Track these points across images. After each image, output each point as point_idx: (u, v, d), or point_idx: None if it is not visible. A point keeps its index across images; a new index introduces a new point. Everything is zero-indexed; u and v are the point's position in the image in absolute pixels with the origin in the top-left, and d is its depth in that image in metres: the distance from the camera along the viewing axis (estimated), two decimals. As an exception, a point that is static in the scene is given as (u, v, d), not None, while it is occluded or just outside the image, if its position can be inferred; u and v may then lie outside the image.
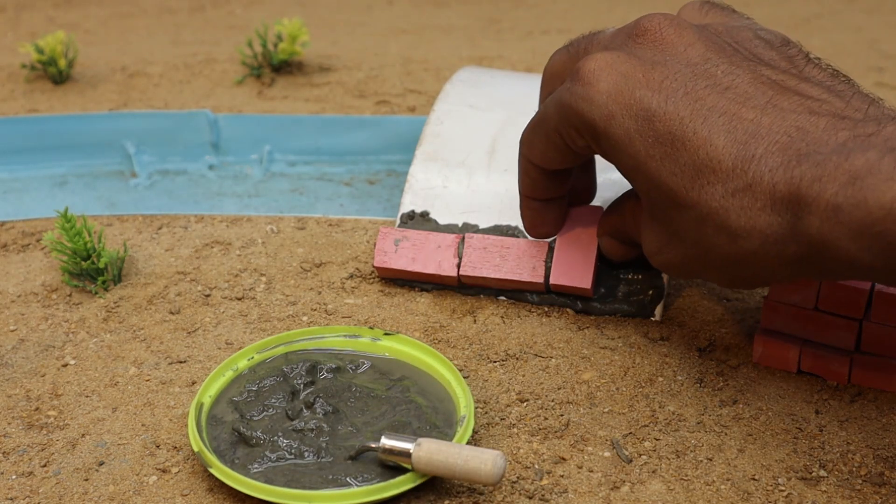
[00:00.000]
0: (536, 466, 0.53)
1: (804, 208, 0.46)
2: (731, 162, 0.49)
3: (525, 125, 0.60)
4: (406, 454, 0.50)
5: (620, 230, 0.61)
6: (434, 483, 0.52)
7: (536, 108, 0.75)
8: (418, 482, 0.51)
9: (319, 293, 0.68)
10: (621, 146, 0.52)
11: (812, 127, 0.48)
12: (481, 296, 0.67)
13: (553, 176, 0.61)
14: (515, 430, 0.56)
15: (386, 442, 0.51)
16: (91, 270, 0.68)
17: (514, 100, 0.76)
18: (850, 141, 0.46)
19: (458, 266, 0.66)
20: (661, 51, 0.53)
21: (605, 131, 0.53)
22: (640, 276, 0.65)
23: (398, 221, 0.70)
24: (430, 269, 0.66)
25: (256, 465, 0.52)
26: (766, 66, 0.52)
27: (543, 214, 0.63)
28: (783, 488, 0.52)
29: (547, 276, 0.65)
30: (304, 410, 0.55)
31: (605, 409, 0.57)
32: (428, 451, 0.50)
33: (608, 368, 0.60)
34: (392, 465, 0.51)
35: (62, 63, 0.99)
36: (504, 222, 0.69)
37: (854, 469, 0.53)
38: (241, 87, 1.00)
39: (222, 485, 0.52)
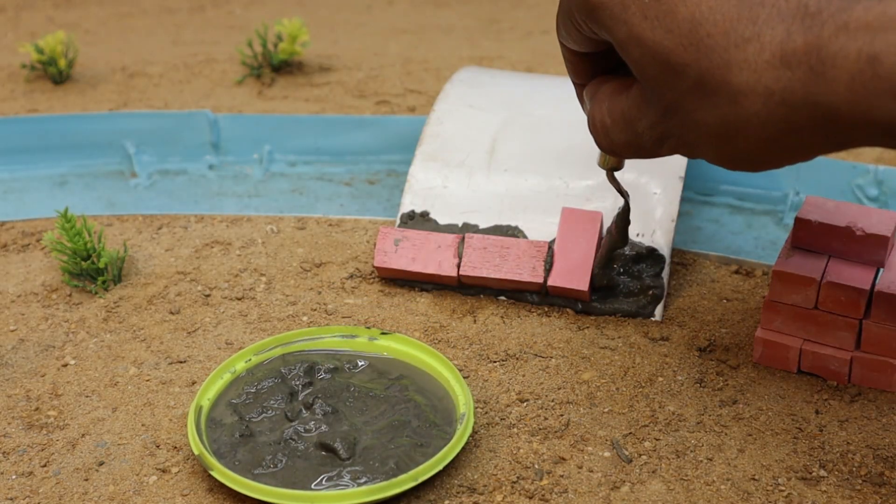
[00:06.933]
0: (536, 466, 0.53)
1: (826, 62, 0.40)
2: (736, 12, 0.43)
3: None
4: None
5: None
6: (434, 483, 0.52)
7: (536, 108, 0.75)
8: (419, 481, 0.51)
9: (319, 293, 0.68)
10: (615, 14, 0.48)
11: None
12: (481, 296, 0.67)
13: (582, 58, 0.55)
14: (515, 430, 0.56)
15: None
16: (91, 270, 0.68)
17: (514, 100, 0.76)
18: None
19: (458, 266, 0.66)
20: None
21: (600, 2, 0.48)
22: (640, 276, 0.65)
23: (398, 221, 0.70)
24: (430, 269, 0.66)
25: (257, 467, 0.52)
26: None
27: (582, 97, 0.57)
28: (783, 488, 0.52)
29: (546, 279, 0.65)
30: (304, 411, 0.55)
31: (605, 409, 0.57)
32: None
33: (608, 368, 0.60)
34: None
35: (62, 63, 0.99)
36: (504, 222, 0.69)
37: (854, 469, 0.53)
38: (241, 87, 1.00)
39: (222, 485, 0.52)
